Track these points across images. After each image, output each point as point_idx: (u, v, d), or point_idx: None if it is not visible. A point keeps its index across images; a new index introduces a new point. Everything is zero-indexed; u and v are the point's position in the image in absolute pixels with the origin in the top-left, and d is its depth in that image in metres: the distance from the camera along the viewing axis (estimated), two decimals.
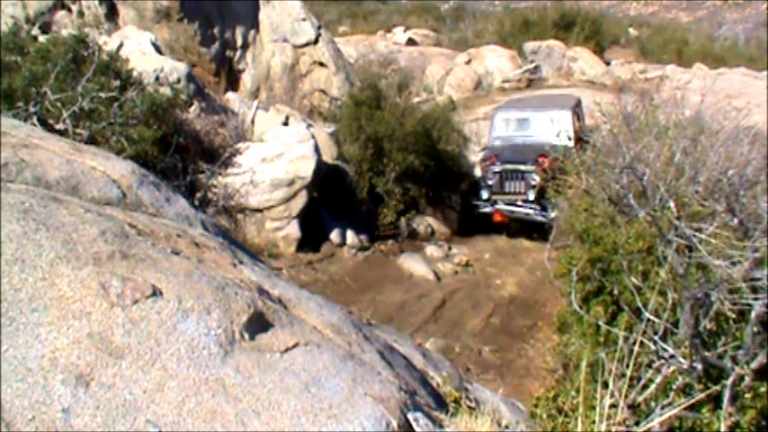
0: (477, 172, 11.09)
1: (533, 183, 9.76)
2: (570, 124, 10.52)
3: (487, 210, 10.15)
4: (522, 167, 9.92)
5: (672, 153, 4.46)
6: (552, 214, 9.05)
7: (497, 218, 10.11)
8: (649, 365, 3.37)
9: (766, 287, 3.21)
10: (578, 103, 11.23)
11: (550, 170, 9.35)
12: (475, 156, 11.55)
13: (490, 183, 10.15)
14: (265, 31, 13.02)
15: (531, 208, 9.78)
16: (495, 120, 11.26)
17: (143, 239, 2.52)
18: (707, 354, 3.32)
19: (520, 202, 9.84)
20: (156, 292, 2.17)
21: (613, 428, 2.54)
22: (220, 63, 12.31)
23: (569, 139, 10.03)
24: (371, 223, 9.53)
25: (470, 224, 10.45)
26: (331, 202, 9.36)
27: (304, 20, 13.11)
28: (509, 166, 10.05)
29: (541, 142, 10.25)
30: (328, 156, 9.67)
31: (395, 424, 2.09)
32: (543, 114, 10.85)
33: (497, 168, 10.10)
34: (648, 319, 3.22)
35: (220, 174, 7.72)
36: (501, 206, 10.03)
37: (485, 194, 10.19)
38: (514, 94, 16.65)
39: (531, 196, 9.73)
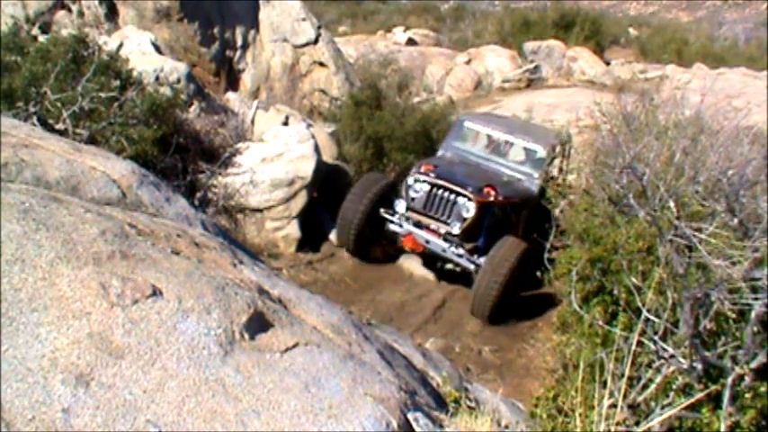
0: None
1: (465, 215, 7.49)
2: (544, 163, 8.26)
3: (400, 229, 7.83)
4: (458, 189, 7.54)
5: (672, 153, 4.47)
6: (480, 260, 7.33)
7: (408, 244, 7.79)
8: (649, 365, 3.38)
9: (766, 287, 3.21)
10: (565, 142, 8.60)
11: (497, 207, 7.64)
12: None
13: (413, 196, 7.78)
14: (265, 31, 13.01)
15: (452, 244, 7.53)
16: (456, 127, 9.06)
17: (143, 239, 2.52)
18: (707, 354, 3.33)
19: (442, 231, 7.56)
20: (156, 292, 2.17)
21: (613, 428, 2.55)
22: (220, 63, 12.29)
23: (543, 181, 7.92)
24: None
25: (370, 243, 8.27)
26: (331, 202, 9.35)
27: (304, 20, 13.10)
28: (443, 183, 7.62)
29: (500, 172, 8.23)
30: (328, 156, 9.66)
31: (395, 424, 2.10)
32: (516, 140, 8.55)
33: (429, 179, 7.70)
34: (648, 319, 3.23)
35: (220, 174, 7.74)
36: (417, 231, 7.69)
37: (400, 207, 7.81)
38: (514, 94, 16.65)
39: (456, 230, 7.48)
